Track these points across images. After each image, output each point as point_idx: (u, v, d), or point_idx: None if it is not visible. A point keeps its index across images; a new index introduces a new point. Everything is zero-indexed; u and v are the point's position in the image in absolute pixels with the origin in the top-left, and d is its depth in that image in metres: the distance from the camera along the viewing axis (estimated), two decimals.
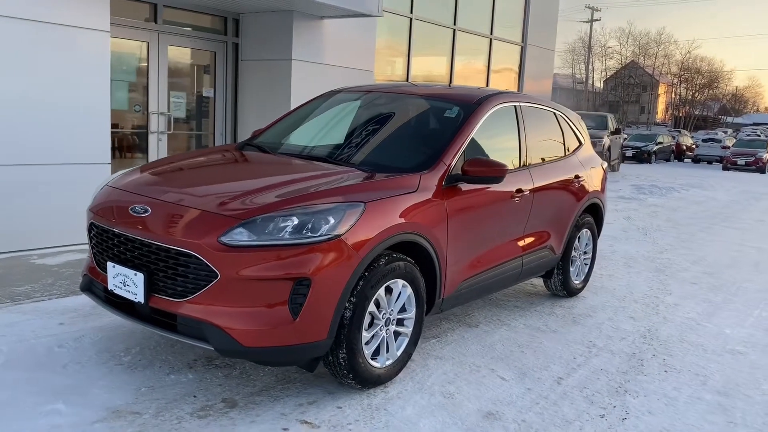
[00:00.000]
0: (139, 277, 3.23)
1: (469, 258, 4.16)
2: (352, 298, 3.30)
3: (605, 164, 6.16)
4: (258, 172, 4.04)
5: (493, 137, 4.64)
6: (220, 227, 3.10)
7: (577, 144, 5.68)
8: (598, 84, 74.34)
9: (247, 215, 3.15)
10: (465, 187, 4.06)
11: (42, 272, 5.30)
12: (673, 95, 73.06)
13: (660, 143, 31.64)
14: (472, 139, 4.26)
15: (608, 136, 19.15)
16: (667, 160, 32.25)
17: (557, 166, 5.19)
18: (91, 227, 3.61)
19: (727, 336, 5.02)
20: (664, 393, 3.85)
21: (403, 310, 3.71)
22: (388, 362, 3.64)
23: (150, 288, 3.23)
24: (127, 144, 7.70)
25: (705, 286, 6.55)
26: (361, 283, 3.33)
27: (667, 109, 76.64)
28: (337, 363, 3.36)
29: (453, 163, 3.99)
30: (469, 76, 14.77)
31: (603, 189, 5.93)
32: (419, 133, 4.44)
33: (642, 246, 8.42)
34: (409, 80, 12.63)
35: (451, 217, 3.90)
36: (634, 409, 3.61)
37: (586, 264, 5.88)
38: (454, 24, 13.70)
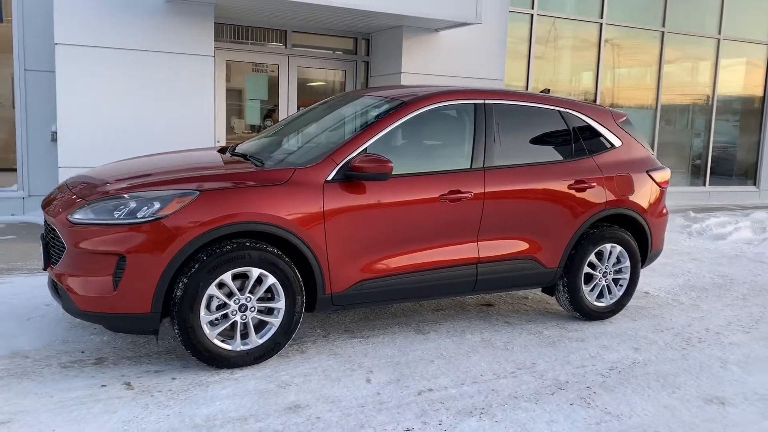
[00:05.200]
0: (41, 247, 3.98)
1: (370, 257, 4.07)
2: (183, 278, 3.59)
3: (662, 172, 5.24)
4: (164, 166, 4.40)
5: (429, 137, 4.45)
6: (73, 207, 3.68)
7: (604, 147, 4.99)
8: None
9: (94, 198, 3.68)
10: (370, 185, 4.02)
11: None
12: None
13: None
14: (390, 138, 4.21)
15: None
16: None
17: (544, 169, 4.66)
18: None
19: (743, 384, 3.98)
20: (522, 424, 3.32)
21: (271, 299, 3.86)
22: (245, 347, 3.81)
23: (47, 258, 3.95)
24: None
25: None
26: (196, 265, 3.60)
27: None
28: (176, 337, 3.68)
29: (346, 160, 3.99)
30: (686, 83, 13.15)
31: (646, 199, 5.06)
32: (335, 132, 4.47)
33: None
34: (599, 94, 11.82)
35: (335, 213, 3.91)
36: (457, 430, 3.22)
37: (621, 285, 5.09)
38: (663, 26, 12.38)
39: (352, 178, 3.97)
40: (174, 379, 3.67)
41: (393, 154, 4.21)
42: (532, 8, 10.92)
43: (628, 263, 5.06)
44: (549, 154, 4.78)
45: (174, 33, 7.09)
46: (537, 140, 4.80)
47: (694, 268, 7.08)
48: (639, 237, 5.14)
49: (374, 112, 4.36)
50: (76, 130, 6.80)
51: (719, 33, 13.06)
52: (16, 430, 3.03)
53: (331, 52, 9.08)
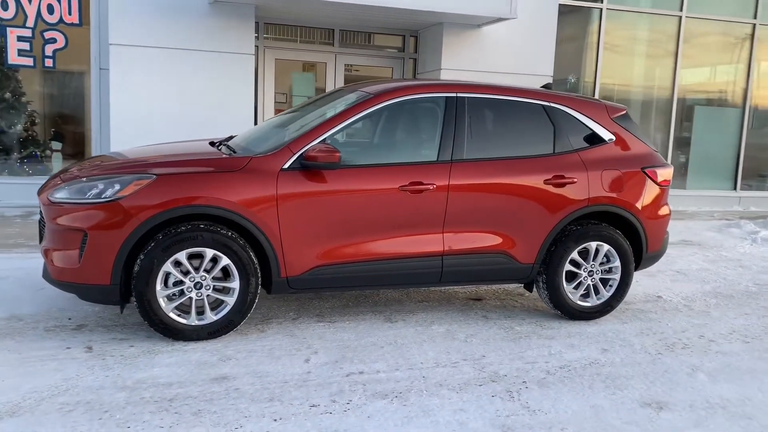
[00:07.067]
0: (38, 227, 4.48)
1: (327, 244, 4.22)
2: (141, 255, 3.93)
3: (662, 170, 4.99)
4: (152, 153, 4.73)
5: (396, 129, 4.53)
6: (54, 188, 4.12)
7: (592, 142, 4.84)
8: None
9: (71, 180, 4.09)
10: (328, 174, 4.19)
11: None
12: None
13: None
14: (355, 129, 4.36)
15: None
16: None
17: (518, 163, 4.59)
18: None
19: (699, 392, 3.77)
20: (428, 410, 3.36)
21: (227, 279, 4.11)
22: (200, 322, 4.08)
23: (41, 234, 4.43)
24: None
25: None
26: (152, 244, 3.93)
27: None
28: (137, 308, 4.03)
29: (303, 149, 4.17)
30: None
31: (639, 197, 4.85)
32: (304, 123, 4.63)
33: None
34: (676, 92, 11.18)
35: (289, 200, 4.10)
36: (360, 410, 3.32)
37: (611, 286, 4.91)
38: (755, 18, 11.50)
39: (307, 167, 4.15)
40: (131, 346, 4.01)
41: (355, 145, 4.35)
42: (601, 2, 10.55)
43: (618, 263, 4.87)
44: (527, 148, 4.70)
45: (217, 33, 7.57)
46: (515, 134, 4.74)
47: (735, 275, 6.64)
48: (632, 237, 4.94)
49: (342, 105, 4.51)
50: (127, 123, 7.43)
51: None
52: None
53: (378, 49, 9.27)
